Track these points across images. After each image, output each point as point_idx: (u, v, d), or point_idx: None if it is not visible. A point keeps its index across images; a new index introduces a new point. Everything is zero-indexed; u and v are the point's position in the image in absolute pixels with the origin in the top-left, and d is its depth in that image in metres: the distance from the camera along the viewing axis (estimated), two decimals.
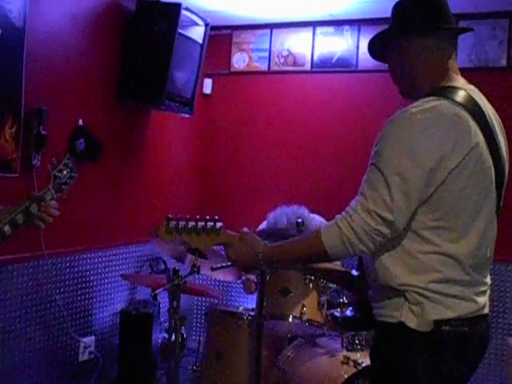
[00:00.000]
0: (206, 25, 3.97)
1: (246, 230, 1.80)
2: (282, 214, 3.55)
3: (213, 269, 2.43)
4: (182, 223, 1.75)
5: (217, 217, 1.78)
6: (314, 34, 4.50)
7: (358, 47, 4.37)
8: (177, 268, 2.82)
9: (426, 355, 1.58)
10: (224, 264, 2.36)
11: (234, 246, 1.75)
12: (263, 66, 4.68)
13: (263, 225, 3.72)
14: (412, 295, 1.58)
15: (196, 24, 3.92)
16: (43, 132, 3.15)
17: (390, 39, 1.78)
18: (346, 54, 4.40)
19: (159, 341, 3.80)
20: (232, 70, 4.79)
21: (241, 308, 3.00)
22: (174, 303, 2.84)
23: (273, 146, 4.64)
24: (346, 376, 2.52)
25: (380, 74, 4.21)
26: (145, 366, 3.55)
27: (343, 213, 1.61)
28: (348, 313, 2.16)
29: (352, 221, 1.55)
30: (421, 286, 1.58)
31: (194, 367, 2.93)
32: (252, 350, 2.68)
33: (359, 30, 4.38)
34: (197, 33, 3.93)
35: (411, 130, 1.56)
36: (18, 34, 2.96)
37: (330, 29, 4.46)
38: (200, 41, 3.96)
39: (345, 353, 2.67)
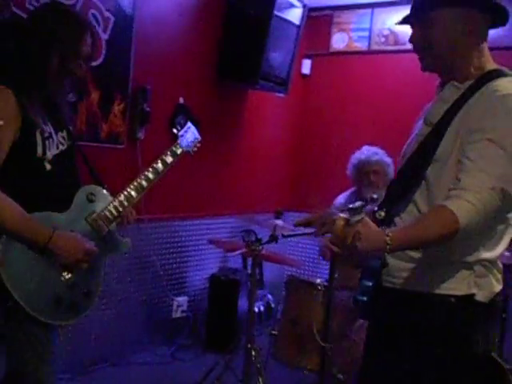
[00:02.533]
0: (304, 6, 4.10)
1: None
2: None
3: (284, 236, 2.59)
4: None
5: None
6: None
7: None
8: (259, 237, 3.05)
9: (483, 324, 1.66)
10: (298, 232, 2.46)
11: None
12: (363, 46, 4.72)
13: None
14: (479, 268, 1.63)
15: (293, 6, 4.06)
16: (147, 109, 3.48)
17: (438, 7, 1.66)
18: None
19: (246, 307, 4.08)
20: (331, 50, 4.87)
21: (318, 280, 3.15)
22: (257, 270, 3.09)
23: (372, 125, 4.66)
24: None
25: None
26: (229, 327, 3.84)
27: (465, 190, 1.51)
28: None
29: (483, 198, 1.49)
30: (490, 260, 1.64)
31: (272, 331, 3.14)
32: (324, 319, 2.84)
33: None
34: (294, 14, 4.07)
35: None
36: (128, 20, 3.30)
37: None
38: (297, 22, 4.10)
39: None
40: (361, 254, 1.52)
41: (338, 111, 4.83)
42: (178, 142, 2.26)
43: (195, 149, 2.38)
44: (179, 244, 3.96)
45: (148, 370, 3.56)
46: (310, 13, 4.89)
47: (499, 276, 1.68)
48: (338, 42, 4.85)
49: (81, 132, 3.10)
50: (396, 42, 4.56)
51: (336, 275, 2.73)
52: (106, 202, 2.00)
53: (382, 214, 1.65)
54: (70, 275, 1.87)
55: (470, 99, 1.63)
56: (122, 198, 2.02)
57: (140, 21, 3.38)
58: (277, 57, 4.03)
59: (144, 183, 2.07)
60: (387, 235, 1.49)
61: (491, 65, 1.70)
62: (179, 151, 2.24)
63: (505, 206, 1.55)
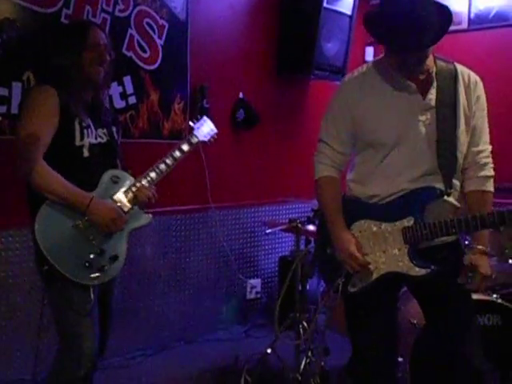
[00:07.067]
0: None
1: None
2: None
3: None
4: None
5: None
6: None
7: None
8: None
9: None
10: None
11: None
12: None
13: None
14: None
15: None
16: (206, 105, 3.80)
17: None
18: (503, 8, 4.25)
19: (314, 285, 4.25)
20: None
21: None
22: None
23: None
24: None
25: None
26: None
27: None
28: None
29: None
30: None
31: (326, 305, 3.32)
32: None
33: None
34: (345, 5, 4.22)
35: None
36: (181, 25, 3.65)
37: None
38: (349, 12, 4.24)
39: None
40: None
41: None
42: (194, 132, 2.55)
43: (212, 139, 2.65)
44: (246, 229, 4.23)
45: (222, 346, 3.85)
46: (371, 1, 5.02)
47: None
48: None
49: (143, 130, 3.49)
50: (452, 22, 4.53)
51: None
52: (129, 184, 2.29)
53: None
54: (98, 241, 2.16)
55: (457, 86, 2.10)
56: (142, 179, 2.31)
57: (194, 24, 3.71)
58: (331, 47, 4.20)
59: (162, 166, 2.37)
60: None
61: None
62: (194, 141, 2.52)
63: None
